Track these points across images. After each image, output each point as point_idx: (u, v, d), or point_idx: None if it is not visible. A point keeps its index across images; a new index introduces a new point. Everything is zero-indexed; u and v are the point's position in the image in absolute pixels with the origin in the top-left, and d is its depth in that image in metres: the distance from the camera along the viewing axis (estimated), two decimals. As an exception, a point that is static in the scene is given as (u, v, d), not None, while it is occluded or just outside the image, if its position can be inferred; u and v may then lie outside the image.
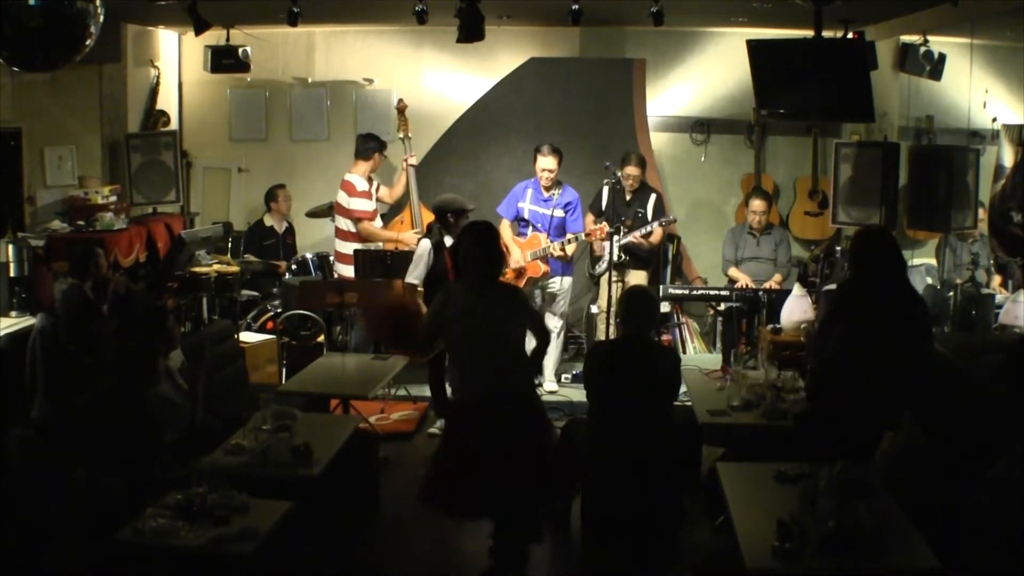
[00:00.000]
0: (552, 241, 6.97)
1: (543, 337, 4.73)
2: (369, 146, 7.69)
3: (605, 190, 7.19)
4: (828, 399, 4.51)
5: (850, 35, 6.72)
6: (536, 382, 7.14)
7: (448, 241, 6.46)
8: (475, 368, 4.45)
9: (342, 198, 7.62)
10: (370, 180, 7.71)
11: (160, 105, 8.52)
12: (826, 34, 6.47)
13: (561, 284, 7.14)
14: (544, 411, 4.69)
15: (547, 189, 7.03)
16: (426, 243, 6.56)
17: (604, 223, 6.92)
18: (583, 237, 7.08)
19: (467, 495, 4.35)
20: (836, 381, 4.48)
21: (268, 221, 8.40)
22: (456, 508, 4.52)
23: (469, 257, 4.46)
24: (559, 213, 7.03)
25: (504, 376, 4.44)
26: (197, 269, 7.19)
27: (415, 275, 6.51)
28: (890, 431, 4.16)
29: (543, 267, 7.01)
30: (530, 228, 7.09)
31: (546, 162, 6.95)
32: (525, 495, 4.36)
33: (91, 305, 5.91)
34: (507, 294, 4.59)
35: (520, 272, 6.96)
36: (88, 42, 4.64)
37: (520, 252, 6.98)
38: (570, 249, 6.99)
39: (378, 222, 7.83)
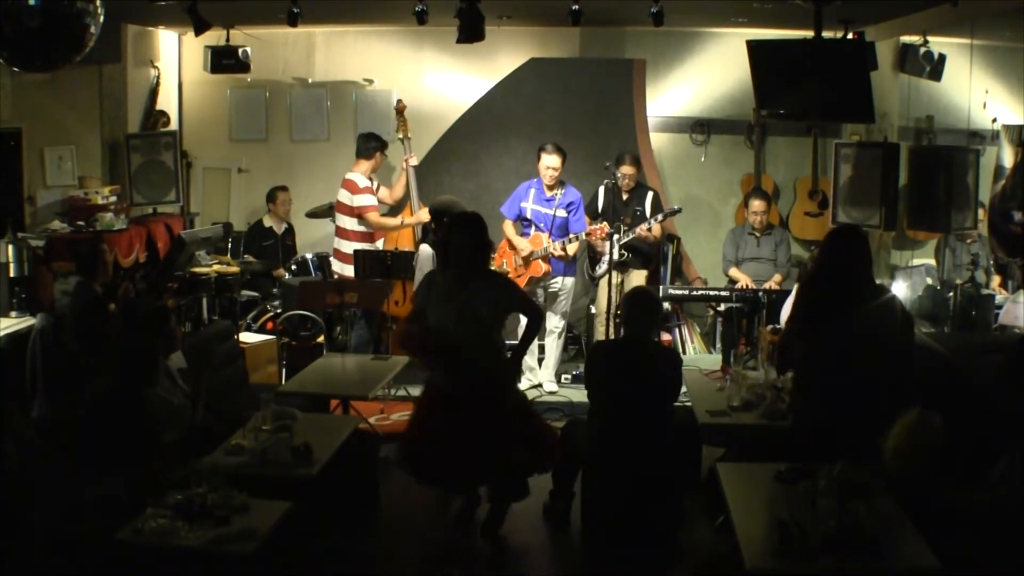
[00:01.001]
0: (554, 241, 6.97)
1: (534, 319, 4.85)
2: (371, 145, 7.68)
3: (601, 191, 7.19)
4: (808, 401, 4.47)
5: (850, 35, 6.72)
6: (537, 382, 7.23)
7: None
8: (447, 355, 4.57)
9: (344, 196, 7.61)
10: (371, 180, 7.70)
11: (160, 105, 8.52)
12: (826, 34, 6.46)
13: (563, 284, 7.14)
14: (515, 396, 4.89)
15: (550, 188, 7.03)
16: (427, 249, 6.56)
17: (604, 223, 6.92)
18: (584, 237, 7.08)
19: (433, 467, 4.70)
20: (811, 382, 4.44)
21: (267, 222, 8.40)
22: (424, 475, 4.83)
23: (454, 247, 4.56)
24: (561, 213, 7.03)
25: (476, 366, 4.56)
26: (197, 269, 7.19)
27: None
28: (879, 427, 4.14)
29: (544, 267, 7.01)
30: (532, 228, 7.09)
31: (550, 160, 6.96)
32: (492, 473, 4.72)
33: (101, 303, 5.90)
34: (493, 284, 4.68)
35: (527, 260, 6.97)
36: (88, 42, 4.64)
37: (526, 242, 6.99)
38: (571, 249, 6.99)
39: (379, 221, 7.82)
